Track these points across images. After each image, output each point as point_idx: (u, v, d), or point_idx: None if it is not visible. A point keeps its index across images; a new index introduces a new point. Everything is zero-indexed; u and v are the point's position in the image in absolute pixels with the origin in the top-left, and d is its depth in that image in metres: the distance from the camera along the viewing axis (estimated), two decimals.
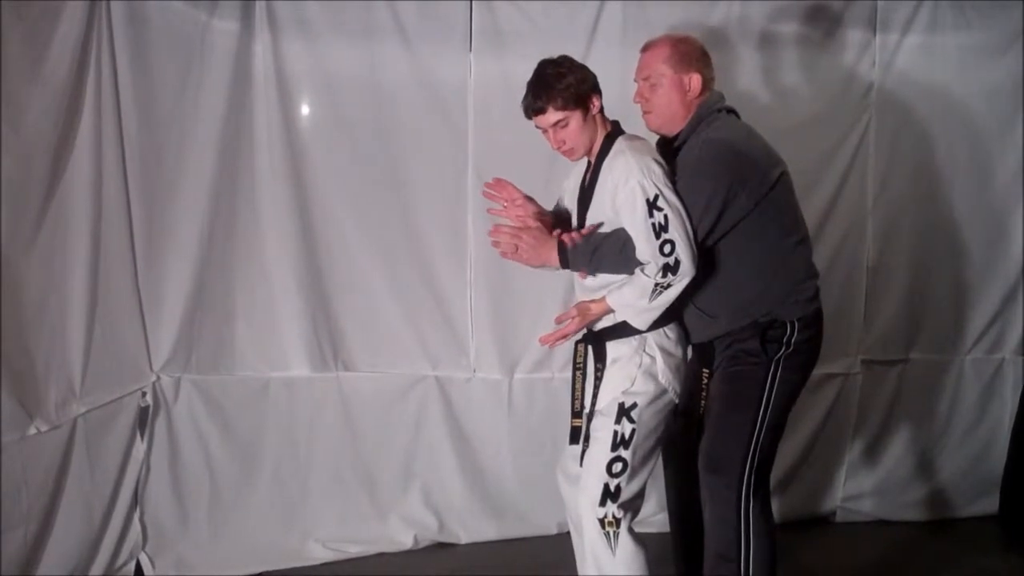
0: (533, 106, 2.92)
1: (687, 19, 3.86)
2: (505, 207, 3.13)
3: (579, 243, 2.97)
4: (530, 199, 3.13)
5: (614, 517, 2.93)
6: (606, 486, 2.93)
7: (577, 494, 3.03)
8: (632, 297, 2.89)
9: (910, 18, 4.11)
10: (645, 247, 2.83)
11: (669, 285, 2.84)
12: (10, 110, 2.98)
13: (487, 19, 3.89)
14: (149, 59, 3.59)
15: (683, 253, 2.82)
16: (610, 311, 2.98)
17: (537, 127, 2.97)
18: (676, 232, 2.82)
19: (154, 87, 3.62)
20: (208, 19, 3.68)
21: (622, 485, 2.94)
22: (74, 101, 3.30)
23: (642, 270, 2.85)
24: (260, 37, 3.78)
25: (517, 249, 2.99)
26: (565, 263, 3.00)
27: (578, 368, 3.13)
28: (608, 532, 2.93)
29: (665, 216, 2.81)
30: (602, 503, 2.93)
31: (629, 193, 2.84)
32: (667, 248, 2.81)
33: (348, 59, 3.88)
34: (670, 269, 2.82)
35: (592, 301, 3.00)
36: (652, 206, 2.81)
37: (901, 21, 4.11)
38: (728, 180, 2.90)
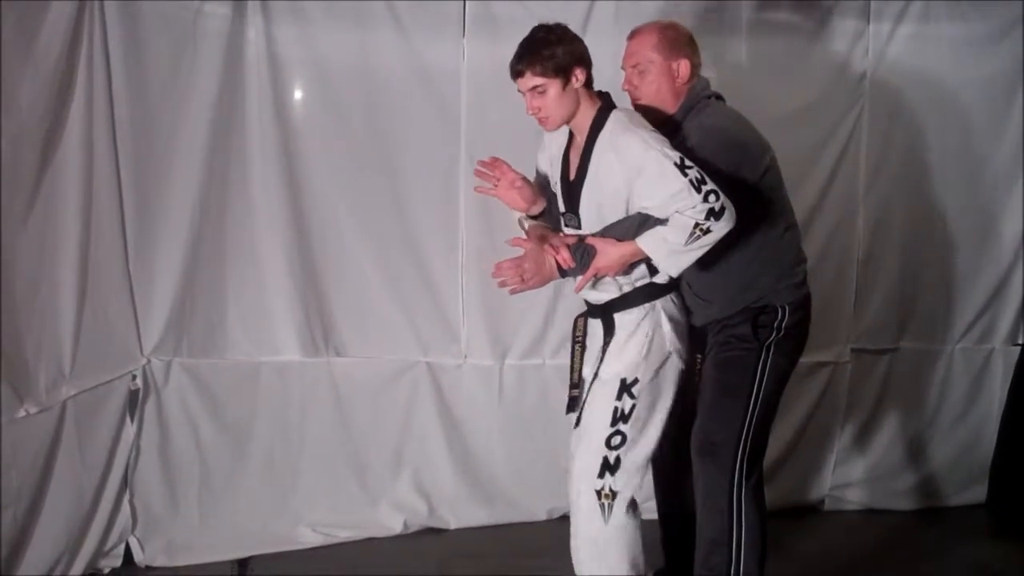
0: (514, 68, 2.90)
1: (680, 9, 3.85)
2: (496, 186, 3.07)
3: (575, 256, 2.96)
4: (527, 181, 3.08)
5: (611, 490, 2.95)
6: (605, 459, 2.95)
7: (573, 461, 3.03)
8: (670, 235, 2.80)
9: (903, 8, 4.11)
10: (687, 201, 2.75)
11: (709, 230, 2.77)
12: (1, 93, 2.97)
13: (480, 5, 3.89)
14: (141, 42, 3.59)
15: (727, 200, 2.77)
16: (629, 259, 2.92)
17: (518, 90, 2.95)
18: (714, 184, 2.78)
19: (146, 71, 3.62)
20: (201, 3, 3.67)
21: (621, 456, 2.96)
22: (65, 84, 3.29)
23: (681, 213, 2.77)
24: (253, 22, 3.77)
25: (523, 280, 2.96)
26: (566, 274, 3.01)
27: (577, 341, 3.13)
28: (603, 503, 2.95)
29: (698, 172, 2.78)
30: (600, 475, 2.95)
31: (653, 163, 2.80)
32: (711, 197, 2.75)
33: (341, 44, 3.87)
34: (714, 214, 2.75)
35: (612, 244, 2.91)
36: (682, 167, 2.77)
37: (894, 11, 4.11)
38: (723, 167, 2.91)
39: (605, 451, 2.95)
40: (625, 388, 2.96)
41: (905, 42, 4.14)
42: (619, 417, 2.95)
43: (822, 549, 4.05)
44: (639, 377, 2.96)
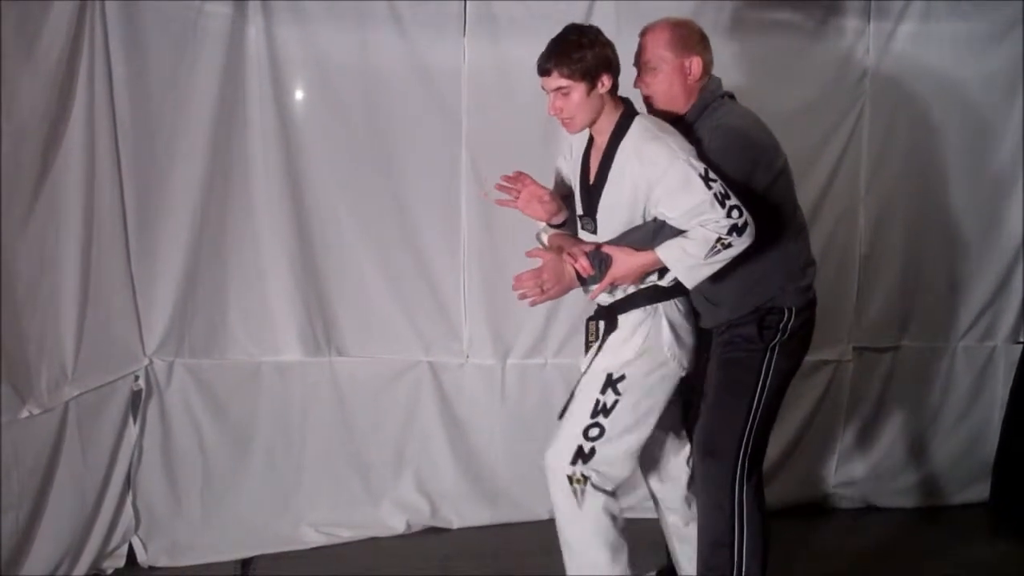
0: (542, 66, 2.88)
1: (680, 9, 3.83)
2: (516, 198, 3.06)
3: (593, 264, 2.93)
4: (552, 195, 3.06)
5: (582, 475, 2.96)
6: (580, 447, 2.96)
7: (548, 446, 3.04)
8: (691, 248, 2.80)
9: (904, 6, 4.11)
10: (710, 215, 2.76)
11: (730, 245, 2.78)
12: (2, 93, 2.97)
13: (481, 5, 3.88)
14: (142, 41, 3.58)
15: (749, 216, 2.78)
16: (646, 269, 2.92)
17: (542, 88, 2.93)
18: (737, 198, 2.78)
19: (147, 70, 3.61)
20: (202, 2, 3.66)
21: (596, 448, 2.96)
22: (67, 84, 3.29)
23: (704, 226, 2.78)
24: (254, 21, 3.76)
25: (542, 291, 2.93)
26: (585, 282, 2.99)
27: (590, 345, 3.11)
28: (575, 488, 2.96)
29: (722, 185, 2.78)
30: (573, 462, 2.96)
31: (679, 174, 2.79)
32: (735, 213, 2.76)
33: (342, 44, 3.87)
34: (737, 230, 2.77)
35: (628, 253, 2.92)
36: (706, 179, 2.77)
37: (895, 9, 4.11)
38: (739, 168, 2.91)
39: (581, 440, 2.97)
40: (610, 383, 2.96)
41: (906, 41, 4.14)
42: (600, 410, 2.96)
43: (824, 547, 4.05)
44: (627, 374, 2.96)
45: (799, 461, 4.33)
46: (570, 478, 2.96)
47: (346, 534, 4.05)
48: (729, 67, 3.86)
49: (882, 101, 4.16)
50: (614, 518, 3.02)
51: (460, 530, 4.18)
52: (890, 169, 4.22)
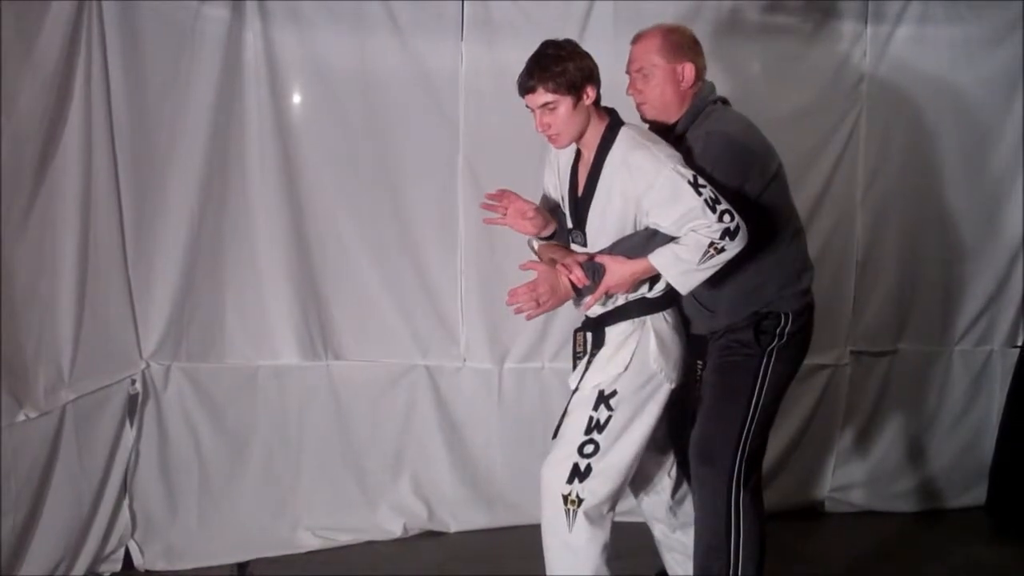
0: (525, 84, 2.86)
1: (678, 12, 3.85)
2: (504, 216, 3.06)
3: (587, 275, 2.91)
4: (537, 210, 3.05)
5: (577, 497, 2.94)
6: (575, 465, 2.94)
7: (544, 464, 3.03)
8: (684, 254, 2.78)
9: (901, 10, 4.12)
10: (702, 220, 2.74)
11: (723, 249, 2.76)
12: (2, 94, 2.96)
13: (479, 9, 3.89)
14: (140, 45, 3.58)
15: (740, 220, 2.77)
16: (639, 276, 2.90)
17: (527, 107, 2.93)
18: (728, 203, 2.77)
19: (145, 73, 3.61)
20: (199, 6, 3.66)
21: (592, 465, 2.95)
22: (64, 86, 3.28)
23: (696, 232, 2.77)
24: (251, 25, 3.77)
25: (538, 304, 2.92)
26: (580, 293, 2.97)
27: (578, 357, 3.11)
28: (568, 509, 2.95)
29: (712, 190, 2.77)
30: (569, 480, 2.95)
31: (667, 182, 2.78)
32: (726, 217, 2.75)
33: (339, 48, 3.88)
34: (729, 234, 2.75)
35: (621, 262, 2.90)
36: (695, 185, 2.76)
37: (892, 13, 4.12)
38: (732, 173, 2.91)
39: (576, 457, 2.95)
40: (602, 399, 2.95)
41: (903, 44, 4.16)
42: (594, 426, 2.95)
43: (822, 551, 4.06)
44: (618, 390, 2.95)
45: (796, 465, 4.33)
46: (565, 497, 2.95)
47: (343, 538, 4.04)
48: (726, 71, 3.88)
49: (879, 105, 4.17)
50: (603, 548, 3.00)
51: (457, 534, 4.18)
52: (887, 173, 4.23)
